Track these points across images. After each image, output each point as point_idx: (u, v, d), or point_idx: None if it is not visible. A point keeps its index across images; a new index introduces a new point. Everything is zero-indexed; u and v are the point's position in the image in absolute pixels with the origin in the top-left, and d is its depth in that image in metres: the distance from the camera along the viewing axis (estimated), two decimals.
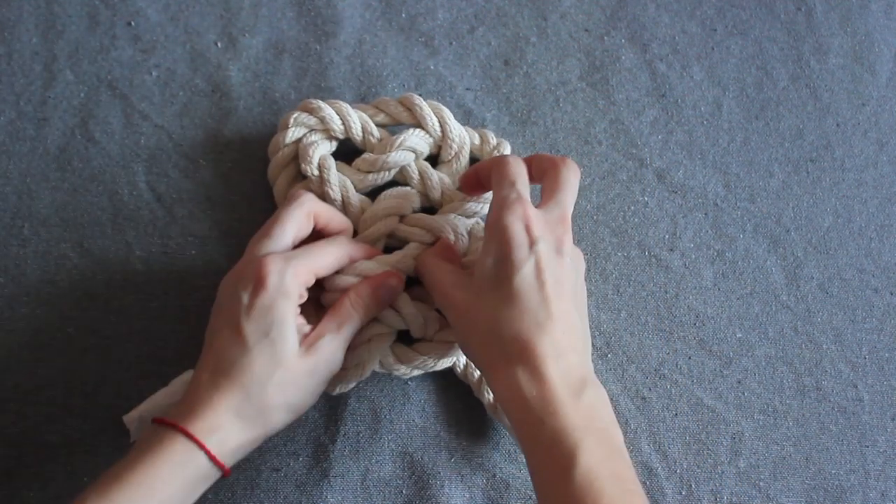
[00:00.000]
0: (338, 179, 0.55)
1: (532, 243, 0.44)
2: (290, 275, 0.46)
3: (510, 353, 0.43)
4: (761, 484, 0.57)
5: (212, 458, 0.43)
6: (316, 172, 0.54)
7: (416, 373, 0.54)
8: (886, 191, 0.64)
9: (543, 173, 0.49)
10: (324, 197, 0.54)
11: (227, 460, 0.44)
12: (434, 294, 0.49)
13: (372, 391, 0.55)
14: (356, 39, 0.61)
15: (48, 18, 0.59)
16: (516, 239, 0.44)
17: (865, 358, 0.60)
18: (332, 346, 0.47)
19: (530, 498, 0.55)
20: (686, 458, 0.56)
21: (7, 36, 0.59)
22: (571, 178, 0.48)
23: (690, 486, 0.56)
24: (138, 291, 0.55)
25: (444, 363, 0.54)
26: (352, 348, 0.52)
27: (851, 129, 0.65)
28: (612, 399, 0.56)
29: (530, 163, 0.49)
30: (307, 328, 0.47)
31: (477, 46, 0.63)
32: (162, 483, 0.41)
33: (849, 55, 0.66)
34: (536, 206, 0.46)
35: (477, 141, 0.57)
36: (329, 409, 0.55)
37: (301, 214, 0.49)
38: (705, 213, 0.61)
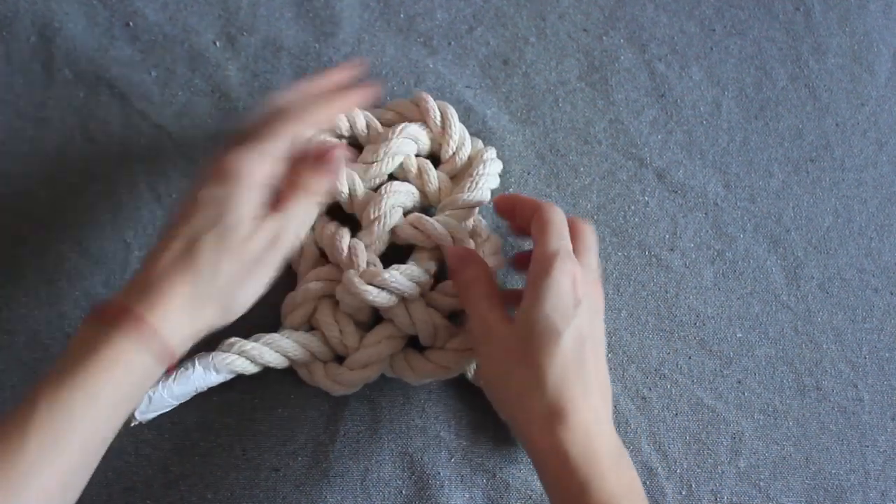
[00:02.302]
0: (345, 173, 0.55)
1: (577, 304, 0.45)
2: (250, 164, 0.45)
3: (552, 412, 0.43)
4: (761, 484, 0.57)
5: (164, 346, 0.41)
6: None
7: (427, 380, 0.54)
8: (886, 191, 0.64)
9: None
10: (332, 190, 0.55)
11: (179, 347, 0.43)
12: (473, 329, 0.49)
13: (372, 391, 0.55)
14: (355, 39, 0.61)
15: (46, 18, 0.59)
16: (565, 298, 0.45)
17: (865, 358, 0.60)
18: (274, 229, 0.45)
19: (530, 498, 0.55)
20: (686, 458, 0.56)
21: (5, 35, 0.59)
22: (594, 241, 0.50)
23: (690, 486, 0.56)
24: None
25: (455, 373, 0.54)
26: (362, 348, 0.52)
27: (851, 128, 0.65)
28: (612, 399, 0.56)
29: None
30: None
31: (476, 46, 0.63)
32: (113, 387, 0.40)
33: (847, 55, 0.66)
34: None
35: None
36: (329, 408, 0.55)
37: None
38: (705, 213, 0.61)
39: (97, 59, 0.59)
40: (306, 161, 0.48)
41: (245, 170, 0.44)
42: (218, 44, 0.60)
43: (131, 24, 0.60)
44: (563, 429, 0.42)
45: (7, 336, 0.54)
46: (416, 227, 0.54)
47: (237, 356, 0.51)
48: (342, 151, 0.50)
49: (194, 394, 0.51)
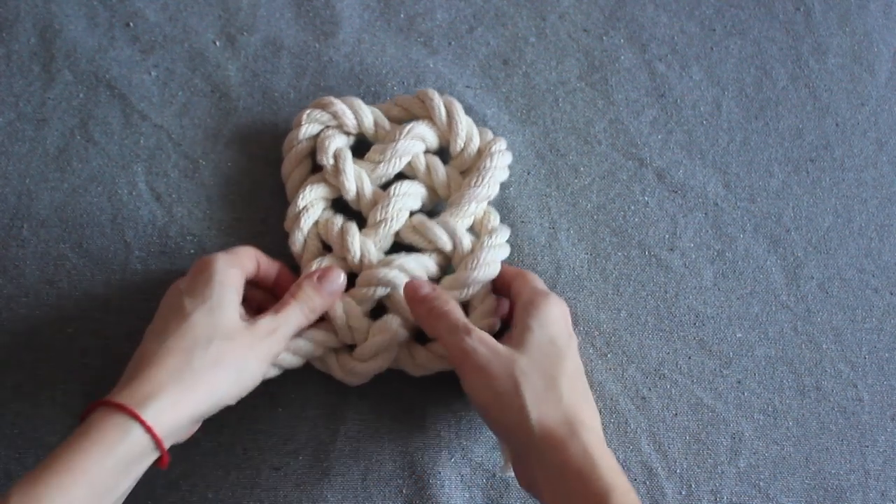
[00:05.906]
0: (353, 170, 0.55)
1: (570, 335, 0.50)
2: (226, 260, 0.48)
3: (572, 420, 0.46)
4: (761, 484, 0.57)
5: (147, 430, 0.40)
6: (331, 161, 0.55)
7: (428, 372, 0.54)
8: (886, 191, 0.64)
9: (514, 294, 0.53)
10: (339, 187, 0.55)
11: (166, 435, 0.42)
12: (454, 359, 0.49)
13: (372, 390, 0.55)
14: (355, 39, 0.61)
15: (46, 18, 0.59)
16: (562, 324, 0.50)
17: (865, 358, 0.60)
18: (271, 325, 0.47)
19: (529, 498, 0.55)
20: (686, 458, 0.56)
21: (5, 36, 0.59)
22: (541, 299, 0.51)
23: (690, 486, 0.56)
24: (137, 291, 0.55)
25: None
26: (370, 338, 0.52)
27: (851, 128, 0.65)
28: (611, 399, 0.56)
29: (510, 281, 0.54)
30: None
31: (476, 46, 0.63)
32: (92, 465, 0.39)
33: (847, 55, 0.66)
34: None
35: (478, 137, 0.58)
36: (329, 407, 0.55)
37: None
38: (705, 213, 0.61)
39: (97, 59, 0.59)
40: (309, 278, 0.51)
41: (224, 263, 0.48)
42: (218, 44, 0.60)
43: (131, 24, 0.60)
44: (586, 433, 0.45)
45: (7, 336, 0.54)
46: (417, 231, 0.54)
47: None
48: (341, 275, 0.52)
49: None
